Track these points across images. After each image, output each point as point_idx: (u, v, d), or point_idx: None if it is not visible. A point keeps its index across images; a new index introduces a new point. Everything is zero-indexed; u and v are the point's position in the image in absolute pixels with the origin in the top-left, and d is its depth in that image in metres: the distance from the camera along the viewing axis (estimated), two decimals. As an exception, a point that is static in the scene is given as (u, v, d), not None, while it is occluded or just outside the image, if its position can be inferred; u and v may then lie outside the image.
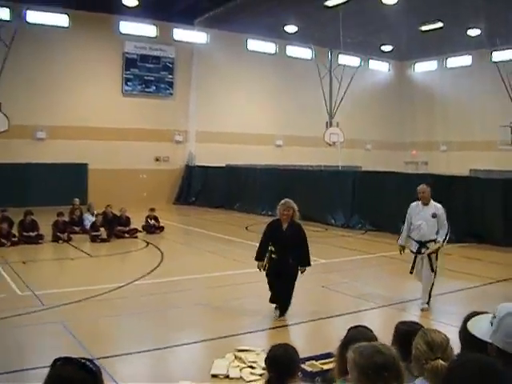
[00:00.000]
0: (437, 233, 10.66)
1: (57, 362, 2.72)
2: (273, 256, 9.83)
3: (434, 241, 10.64)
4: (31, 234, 18.19)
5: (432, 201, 11.05)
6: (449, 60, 42.19)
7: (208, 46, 35.12)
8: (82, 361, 2.74)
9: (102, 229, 19.16)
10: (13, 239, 17.69)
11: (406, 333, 4.82)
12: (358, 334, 4.62)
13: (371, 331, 4.81)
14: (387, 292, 12.43)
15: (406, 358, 4.72)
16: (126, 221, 20.10)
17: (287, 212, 9.93)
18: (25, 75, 28.32)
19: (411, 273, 10.83)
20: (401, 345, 4.82)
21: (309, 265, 9.97)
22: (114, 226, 19.68)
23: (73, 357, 2.76)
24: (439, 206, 10.93)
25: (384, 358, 3.41)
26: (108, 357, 7.73)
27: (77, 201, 21.36)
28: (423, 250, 10.71)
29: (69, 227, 19.37)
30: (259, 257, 10.15)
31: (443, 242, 10.64)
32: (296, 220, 10.04)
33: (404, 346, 4.76)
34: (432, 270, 10.67)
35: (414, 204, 11.43)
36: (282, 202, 10.05)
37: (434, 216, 10.72)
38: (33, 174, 28.05)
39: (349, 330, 4.88)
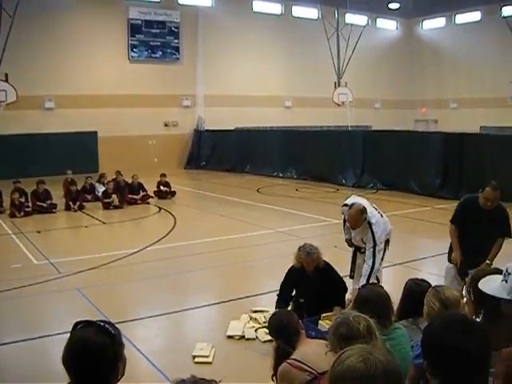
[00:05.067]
0: None
1: (78, 325, 2.79)
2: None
3: None
4: (44, 203, 18.29)
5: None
6: (457, 16, 41.61)
7: (213, 8, 34.81)
8: (102, 324, 2.81)
9: (114, 196, 19.25)
10: (26, 209, 17.80)
11: (413, 290, 4.94)
12: (368, 291, 4.72)
13: (382, 287, 4.91)
14: (400, 250, 12.48)
15: (413, 315, 4.85)
16: (138, 187, 20.17)
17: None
18: (30, 45, 28.19)
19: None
20: (408, 301, 4.95)
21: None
22: (126, 193, 19.76)
23: (93, 320, 2.84)
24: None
25: (347, 330, 3.66)
26: (125, 321, 7.84)
27: (69, 172, 21.33)
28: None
29: (81, 195, 19.46)
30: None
31: None
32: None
33: (411, 303, 4.89)
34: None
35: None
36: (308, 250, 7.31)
37: None
38: (43, 144, 28.05)
39: (359, 288, 5.00)
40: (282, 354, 4.78)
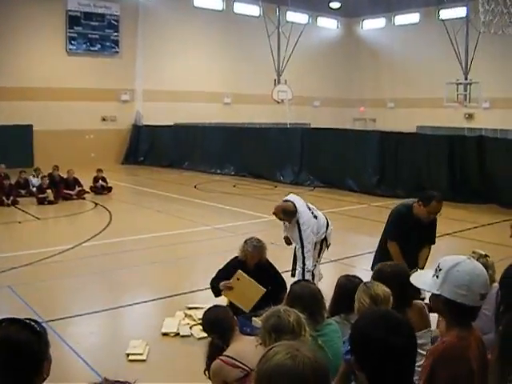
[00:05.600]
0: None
1: (1, 323, 2.71)
2: None
3: None
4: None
5: None
6: (397, 17, 42.41)
7: (153, 2, 34.45)
8: (27, 321, 2.74)
9: (49, 191, 18.93)
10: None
11: (345, 286, 5.02)
12: (300, 288, 4.77)
13: (313, 284, 4.98)
14: (336, 247, 12.59)
15: (345, 311, 4.93)
16: (74, 182, 19.85)
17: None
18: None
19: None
20: (340, 297, 5.04)
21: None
22: (61, 188, 19.43)
23: (17, 318, 2.76)
24: None
25: (277, 322, 3.71)
26: (58, 319, 7.74)
27: (2, 166, 20.89)
28: None
29: (15, 190, 19.05)
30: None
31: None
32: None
33: (343, 299, 4.97)
34: None
35: None
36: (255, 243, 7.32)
37: None
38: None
39: (292, 284, 5.05)
40: (215, 349, 4.80)
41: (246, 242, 7.33)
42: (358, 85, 43.90)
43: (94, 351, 7.04)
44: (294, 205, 7.85)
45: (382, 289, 4.27)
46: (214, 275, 7.52)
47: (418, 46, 39.06)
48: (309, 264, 7.70)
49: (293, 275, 8.05)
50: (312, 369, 2.12)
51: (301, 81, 38.48)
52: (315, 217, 7.99)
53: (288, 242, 8.32)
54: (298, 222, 7.77)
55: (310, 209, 8.08)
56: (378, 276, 4.77)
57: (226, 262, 7.58)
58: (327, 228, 8.19)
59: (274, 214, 8.01)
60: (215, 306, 5.51)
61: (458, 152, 18.63)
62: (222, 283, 7.10)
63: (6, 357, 2.56)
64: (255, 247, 7.21)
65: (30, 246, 12.55)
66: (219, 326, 4.92)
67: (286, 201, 7.97)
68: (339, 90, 43.57)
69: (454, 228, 14.16)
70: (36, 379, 2.62)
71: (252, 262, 7.26)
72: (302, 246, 7.71)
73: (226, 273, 7.36)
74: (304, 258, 7.69)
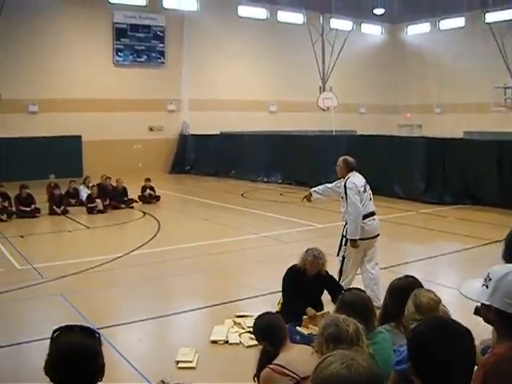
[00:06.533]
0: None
1: (57, 331, 2.80)
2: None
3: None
4: (28, 208, 18.17)
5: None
6: (442, 22, 41.90)
7: (198, 13, 34.79)
8: (83, 327, 2.84)
9: (99, 200, 19.19)
10: (9, 214, 17.69)
11: (399, 287, 4.87)
12: (352, 295, 4.72)
13: (364, 292, 4.91)
14: (384, 255, 12.51)
15: (395, 318, 4.79)
16: (123, 191, 20.11)
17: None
18: (14, 48, 28.10)
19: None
20: (394, 300, 4.87)
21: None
22: (111, 197, 19.70)
23: (72, 324, 2.85)
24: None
25: (336, 330, 3.65)
26: (109, 326, 7.83)
27: (52, 177, 21.23)
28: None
29: (65, 200, 19.37)
30: None
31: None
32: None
33: (393, 307, 4.82)
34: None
35: None
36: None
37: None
38: (27, 148, 27.94)
39: (343, 292, 4.99)
40: (267, 357, 4.75)
41: (307, 251, 7.38)
42: (403, 91, 43.52)
43: (143, 358, 7.12)
44: (353, 168, 9.21)
45: (428, 296, 4.21)
46: (283, 298, 7.55)
47: (464, 50, 38.55)
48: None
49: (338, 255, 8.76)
50: (367, 378, 2.13)
51: (346, 88, 38.34)
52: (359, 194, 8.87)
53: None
54: (345, 186, 8.83)
55: (365, 189, 9.09)
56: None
57: (285, 276, 7.61)
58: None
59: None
60: (267, 313, 5.48)
61: (508, 157, 18.27)
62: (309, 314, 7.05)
63: (75, 363, 2.65)
64: (315, 257, 7.26)
65: (81, 254, 12.79)
66: (273, 334, 4.86)
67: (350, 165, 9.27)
68: (385, 96, 43.28)
69: (503, 235, 13.91)
70: (98, 381, 2.72)
71: (311, 271, 7.30)
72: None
73: (290, 285, 7.45)
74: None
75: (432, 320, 2.90)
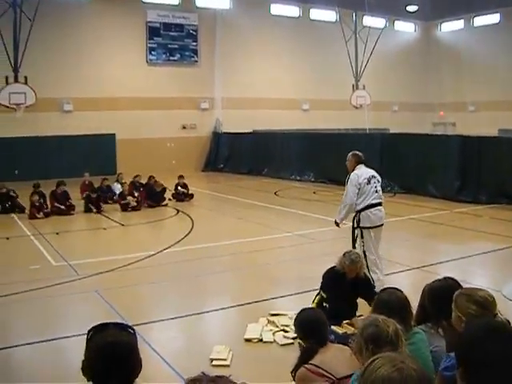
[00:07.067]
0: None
1: (92, 330, 2.83)
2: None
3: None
4: (63, 205, 18.37)
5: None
6: (476, 18, 41.48)
7: (231, 11, 34.89)
8: (118, 323, 2.87)
9: (130, 197, 19.28)
10: (45, 211, 17.92)
11: (439, 289, 4.77)
12: (388, 295, 4.69)
13: (401, 291, 4.86)
14: (418, 254, 12.44)
15: (432, 319, 4.71)
16: (157, 190, 20.18)
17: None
18: (49, 48, 28.44)
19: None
20: (433, 301, 4.78)
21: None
22: (149, 195, 19.83)
23: (106, 322, 2.88)
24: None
25: (375, 331, 3.59)
26: (143, 323, 7.87)
27: (87, 175, 21.41)
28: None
29: (100, 197, 19.53)
30: None
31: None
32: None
33: (430, 307, 4.74)
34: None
35: None
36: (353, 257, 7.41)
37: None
38: (61, 146, 28.30)
39: (379, 292, 4.94)
40: (310, 354, 4.62)
41: (344, 254, 7.39)
42: (436, 88, 43.12)
43: (178, 356, 7.14)
44: (361, 161, 9.69)
45: (484, 292, 4.12)
46: (324, 301, 7.51)
47: (499, 46, 38.08)
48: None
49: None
50: (419, 381, 2.11)
51: (379, 86, 38.18)
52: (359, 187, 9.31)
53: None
54: (348, 177, 9.50)
55: (369, 181, 9.36)
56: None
57: (325, 278, 7.64)
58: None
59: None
60: (310, 309, 5.42)
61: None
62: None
63: (116, 359, 2.68)
64: (352, 261, 7.27)
65: (115, 251, 12.87)
66: (320, 332, 4.78)
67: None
68: (418, 94, 42.96)
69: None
70: (136, 376, 2.76)
71: (350, 275, 7.32)
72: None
73: (328, 286, 7.48)
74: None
75: (481, 324, 2.80)
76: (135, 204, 19.11)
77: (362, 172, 9.56)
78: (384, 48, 38.41)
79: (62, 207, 18.33)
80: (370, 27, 36.94)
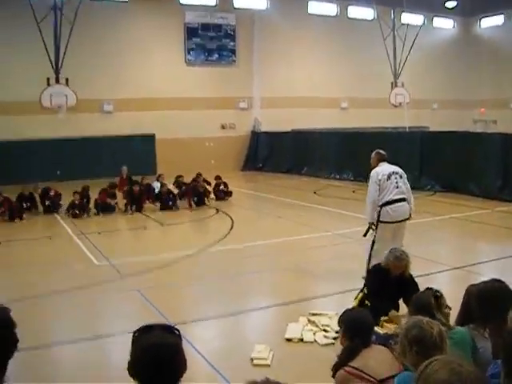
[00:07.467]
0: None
1: (137, 332, 2.90)
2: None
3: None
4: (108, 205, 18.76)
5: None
6: (517, 13, 40.90)
7: (268, 11, 34.89)
8: (163, 325, 2.93)
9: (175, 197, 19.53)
10: (88, 211, 18.30)
11: (487, 291, 4.70)
12: (427, 296, 4.67)
13: (439, 291, 4.83)
14: (459, 254, 12.34)
15: (483, 317, 4.65)
16: (204, 193, 20.27)
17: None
18: (89, 50, 28.79)
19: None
20: (469, 307, 4.74)
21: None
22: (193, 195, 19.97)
23: (151, 324, 2.94)
24: None
25: (419, 332, 3.56)
26: (184, 322, 7.94)
27: (125, 169, 21.57)
28: None
29: (142, 196, 19.64)
30: None
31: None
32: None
33: (483, 305, 4.66)
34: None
35: None
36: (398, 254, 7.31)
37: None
38: (102, 147, 28.67)
39: (425, 289, 4.91)
40: (352, 353, 4.55)
41: (390, 251, 7.37)
42: (476, 85, 42.53)
43: (218, 354, 7.18)
44: (383, 159, 9.86)
45: None
46: (365, 289, 7.58)
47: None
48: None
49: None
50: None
51: (418, 83, 37.84)
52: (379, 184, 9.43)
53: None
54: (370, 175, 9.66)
55: (389, 177, 9.49)
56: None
57: (371, 275, 7.72)
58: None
59: None
60: (359, 310, 5.36)
61: None
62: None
63: (162, 360, 2.74)
64: (397, 258, 7.19)
65: (156, 251, 13.05)
66: (367, 332, 4.75)
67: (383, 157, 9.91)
68: (457, 91, 42.45)
69: None
70: (181, 376, 2.82)
71: (394, 272, 7.24)
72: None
73: (373, 284, 7.46)
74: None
75: None
76: (174, 204, 19.30)
77: (383, 169, 9.71)
78: (422, 45, 38.04)
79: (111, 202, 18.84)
80: (408, 24, 36.62)
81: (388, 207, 9.40)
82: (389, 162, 9.95)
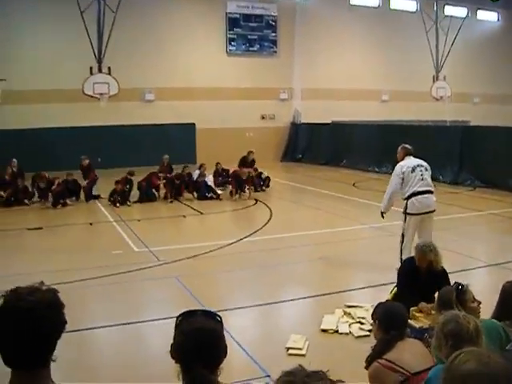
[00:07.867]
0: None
1: (180, 316, 3.01)
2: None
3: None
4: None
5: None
6: None
7: (310, 1, 34.73)
8: (205, 311, 3.04)
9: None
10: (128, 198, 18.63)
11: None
12: (445, 290, 4.72)
13: (465, 285, 4.88)
14: (497, 251, 12.26)
15: (510, 317, 4.67)
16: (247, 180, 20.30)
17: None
18: (131, 39, 28.96)
19: None
20: (505, 303, 4.77)
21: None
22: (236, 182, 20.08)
23: (194, 309, 3.05)
24: None
25: (456, 326, 3.58)
26: (221, 310, 8.05)
27: (166, 158, 21.76)
28: None
29: (182, 186, 19.83)
30: None
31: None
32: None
33: (508, 305, 4.71)
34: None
35: None
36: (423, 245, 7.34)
37: None
38: (143, 135, 28.95)
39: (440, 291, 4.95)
40: (387, 345, 4.56)
41: (417, 244, 7.48)
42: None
43: (254, 343, 7.29)
44: (409, 153, 10.21)
45: None
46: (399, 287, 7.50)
47: None
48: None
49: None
50: (506, 375, 2.12)
51: (459, 77, 37.38)
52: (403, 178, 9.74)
53: None
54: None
55: (413, 170, 9.76)
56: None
57: (401, 267, 7.71)
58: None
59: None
60: (395, 303, 5.38)
61: None
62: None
63: (206, 345, 2.85)
64: (421, 250, 7.17)
65: (195, 239, 13.21)
66: (400, 325, 4.73)
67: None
68: (500, 85, 41.76)
69: None
70: (221, 362, 2.92)
71: (421, 264, 7.19)
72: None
73: (404, 277, 7.40)
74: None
75: None
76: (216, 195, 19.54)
77: (407, 162, 10.00)
78: (466, 38, 37.58)
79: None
80: (451, 17, 36.23)
81: (413, 198, 9.64)
82: (415, 156, 10.24)
